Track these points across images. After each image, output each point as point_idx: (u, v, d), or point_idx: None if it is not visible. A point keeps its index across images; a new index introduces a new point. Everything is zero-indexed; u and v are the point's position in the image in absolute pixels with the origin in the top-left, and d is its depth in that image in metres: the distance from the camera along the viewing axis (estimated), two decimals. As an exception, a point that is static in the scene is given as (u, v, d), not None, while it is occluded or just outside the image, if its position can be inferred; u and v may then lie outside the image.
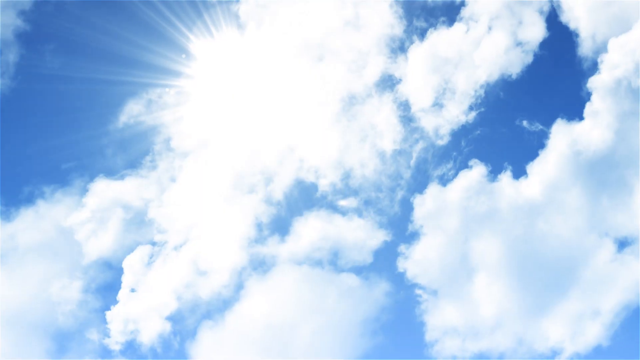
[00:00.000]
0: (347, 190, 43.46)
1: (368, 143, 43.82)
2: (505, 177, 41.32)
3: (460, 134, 42.56)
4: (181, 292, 42.17)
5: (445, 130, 40.85)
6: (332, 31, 44.26)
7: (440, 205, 39.13)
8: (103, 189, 44.93)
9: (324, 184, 44.07)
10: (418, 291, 40.53)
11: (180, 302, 42.08)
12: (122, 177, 44.90)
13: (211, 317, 41.68)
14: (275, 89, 44.59)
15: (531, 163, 40.47)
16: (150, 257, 42.90)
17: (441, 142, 42.92)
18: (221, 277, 42.80)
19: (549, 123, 41.49)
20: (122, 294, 42.04)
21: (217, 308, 42.12)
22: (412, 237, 41.83)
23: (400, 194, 43.63)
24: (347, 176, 43.60)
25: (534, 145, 40.64)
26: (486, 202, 40.28)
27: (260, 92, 44.48)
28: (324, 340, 40.05)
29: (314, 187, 43.44)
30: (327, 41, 44.35)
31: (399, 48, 42.89)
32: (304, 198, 43.48)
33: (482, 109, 43.21)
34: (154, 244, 43.24)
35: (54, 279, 43.28)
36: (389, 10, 43.25)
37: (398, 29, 43.28)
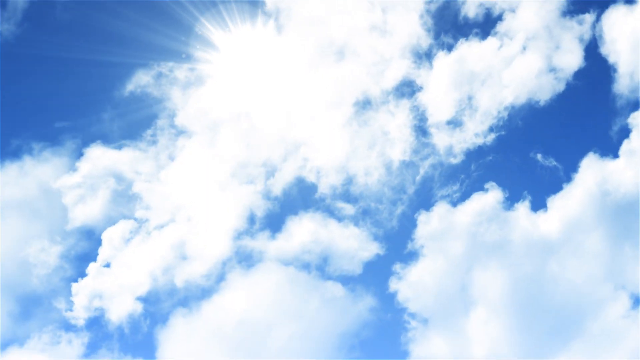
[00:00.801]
0: (347, 196, 37.36)
1: (377, 150, 37.65)
2: (523, 207, 34.34)
3: (477, 154, 35.96)
4: (158, 274, 35.94)
5: (461, 148, 35.80)
6: (356, 32, 37.98)
7: (446, 227, 33.26)
8: (98, 156, 38.69)
9: (324, 186, 37.72)
10: (407, 317, 33.61)
11: (155, 284, 35.77)
12: (119, 147, 38.56)
13: (186, 304, 35.38)
14: (290, 83, 38.82)
15: (553, 196, 33.36)
16: (132, 233, 36.77)
17: (454, 160, 36.07)
18: (203, 265, 36.47)
19: (578, 156, 34.44)
20: (92, 268, 36.03)
21: (193, 296, 35.74)
22: (410, 256, 35.12)
23: (400, 209, 37.10)
24: (349, 181, 37.51)
25: (558, 178, 33.88)
26: (497, 230, 33.52)
27: (274, 84, 38.70)
28: (299, 347, 33.92)
29: (313, 187, 37.37)
30: (349, 42, 38.03)
31: (425, 54, 36.51)
32: (302, 197, 37.48)
33: (503, 132, 36.14)
34: (138, 220, 37.11)
35: (33, 239, 37.05)
36: (419, 19, 37.11)
37: (426, 36, 36.56)
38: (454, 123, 34.19)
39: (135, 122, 38.28)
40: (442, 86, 33.65)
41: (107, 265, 35.14)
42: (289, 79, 38.23)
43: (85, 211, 37.28)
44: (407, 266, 32.98)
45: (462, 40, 34.48)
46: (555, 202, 31.91)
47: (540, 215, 32.02)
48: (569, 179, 32.96)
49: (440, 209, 32.81)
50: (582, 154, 32.58)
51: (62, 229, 36.75)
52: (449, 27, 34.11)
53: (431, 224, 32.69)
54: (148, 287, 35.07)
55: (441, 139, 34.36)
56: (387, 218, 36.97)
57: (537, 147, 34.93)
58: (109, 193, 37.55)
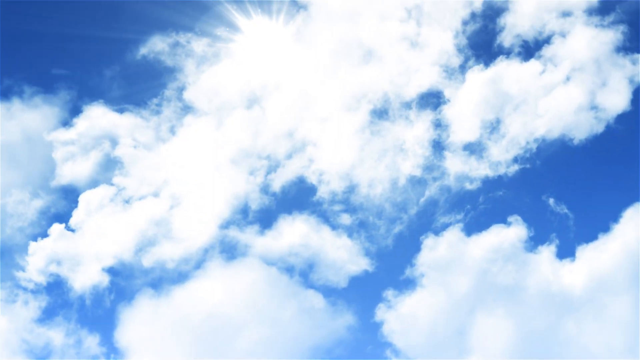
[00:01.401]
0: (346, 205, 33.81)
1: (386, 163, 34.03)
2: (548, 251, 28.62)
3: (495, 183, 31.45)
4: (131, 248, 32.31)
5: (479, 174, 31.56)
6: (386, 39, 34.54)
7: (455, 257, 27.98)
8: (98, 116, 35.27)
9: (324, 191, 34.12)
10: (390, 353, 28.56)
11: (126, 258, 32.10)
12: (120, 111, 35.03)
13: (156, 286, 31.66)
14: (308, 79, 35.27)
15: (584, 245, 27.49)
16: (113, 201, 33.24)
17: (469, 186, 31.60)
18: (182, 248, 32.86)
19: (620, 205, 28.26)
20: (55, 229, 32.23)
21: (165, 279, 32.00)
22: (406, 284, 30.49)
23: (399, 228, 33.24)
24: (350, 190, 33.96)
25: (594, 225, 27.80)
26: (513, 272, 27.82)
27: (292, 77, 35.24)
28: (266, 352, 30.18)
29: (313, 189, 33.85)
30: (377, 47, 34.59)
31: (459, 65, 32.33)
32: (300, 198, 33.93)
33: (528, 166, 31.39)
34: (121, 187, 33.71)
35: (14, 187, 33.56)
36: (456, 31, 33.15)
37: (462, 46, 32.49)
38: (476, 145, 29.55)
39: (142, 88, 34.79)
40: (471, 103, 28.92)
41: (73, 230, 31.86)
42: (307, 74, 34.99)
43: (74, 170, 33.90)
44: (400, 294, 28.34)
45: (501, 57, 29.67)
46: (586, 253, 26.51)
47: (566, 264, 26.65)
48: (606, 229, 27.47)
49: (452, 235, 27.74)
50: (625, 204, 26.80)
51: (47, 184, 33.36)
52: (490, 41, 29.29)
53: (438, 250, 27.64)
54: (118, 260, 31.44)
55: (459, 160, 29.69)
56: (384, 235, 33.31)
57: (569, 187, 29.45)
58: (101, 156, 34.08)
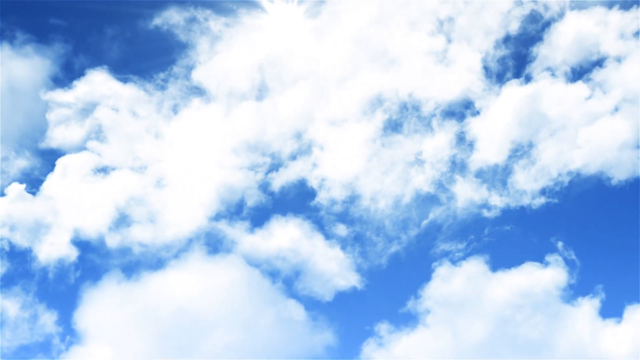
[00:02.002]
0: (344, 215, 30.29)
1: (394, 176, 30.26)
2: (590, 305, 22.89)
3: (517, 214, 26.72)
4: (106, 224, 28.49)
5: (501, 200, 26.76)
6: (413, 49, 30.99)
7: (472, 294, 19.07)
8: (99, 81, 31.54)
9: (324, 197, 30.63)
10: None
11: (99, 234, 28.31)
12: (124, 80, 31.46)
13: (127, 270, 27.63)
14: (325, 79, 31.54)
15: (635, 305, 21.64)
16: (95, 170, 29.42)
17: (487, 213, 26.92)
18: (163, 233, 29.03)
19: None
20: (14, 189, 28.06)
21: (139, 263, 28.06)
22: (405, 319, 25.62)
23: (396, 248, 29.42)
24: (351, 200, 30.41)
25: None
26: (543, 323, 22.42)
27: (309, 75, 31.45)
28: (233, 358, 26.01)
29: (312, 194, 30.40)
30: (401, 56, 31.00)
31: (497, 75, 27.87)
32: (297, 201, 30.53)
33: (556, 200, 26.25)
34: (109, 159, 30.15)
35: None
36: (494, 46, 28.66)
37: (500, 59, 27.91)
38: (502, 168, 24.50)
39: (150, 60, 31.37)
40: (503, 119, 24.05)
41: (34, 193, 28.10)
42: (325, 72, 31.49)
43: (66, 135, 30.49)
44: (396, 331, 23.49)
45: (545, 74, 24.75)
46: (636, 315, 20.46)
47: (610, 324, 21.41)
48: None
49: (473, 267, 22.68)
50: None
51: (34, 145, 30.00)
52: (534, 54, 24.61)
53: (452, 283, 22.43)
54: (90, 235, 27.75)
55: (477, 183, 24.75)
56: (379, 253, 29.71)
57: (612, 233, 23.93)
58: (96, 124, 30.65)
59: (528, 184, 25.15)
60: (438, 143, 26.42)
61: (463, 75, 28.00)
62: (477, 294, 21.76)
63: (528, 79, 26.26)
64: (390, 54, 30.86)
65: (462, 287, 22.39)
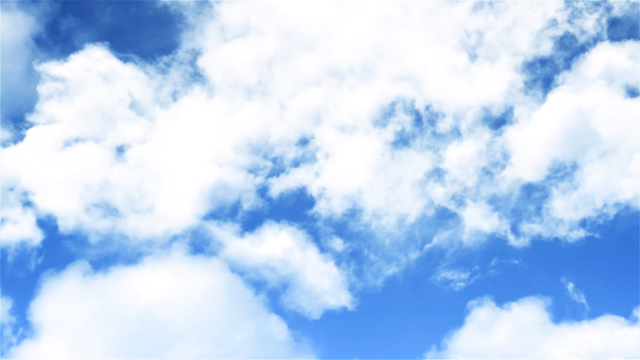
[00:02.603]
0: (342, 229, 26.36)
1: (400, 193, 26.15)
2: None
3: (551, 247, 20.22)
4: (81, 208, 24.06)
5: (531, 229, 19.39)
6: (434, 57, 27.21)
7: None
8: (98, 58, 27.63)
9: (322, 207, 26.78)
10: None
11: (70, 217, 23.89)
12: (124, 60, 27.63)
13: (96, 262, 23.41)
14: (340, 85, 27.78)
15: None
16: (73, 146, 25.52)
17: (514, 242, 22.00)
18: (145, 224, 24.94)
19: None
20: None
21: (111, 256, 23.99)
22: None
23: (393, 270, 25.45)
24: (352, 214, 26.47)
25: None
26: None
27: (323, 79, 27.66)
28: None
29: (310, 203, 26.58)
30: (423, 64, 27.26)
31: (543, 79, 22.91)
32: (294, 209, 26.67)
33: (597, 235, 21.05)
34: (95, 139, 26.12)
35: None
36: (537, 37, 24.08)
37: (546, 59, 23.09)
38: (537, 189, 19.82)
39: (154, 41, 27.82)
40: (544, 132, 19.10)
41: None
42: (338, 74, 27.96)
43: (55, 110, 27.00)
44: None
45: (601, 82, 19.91)
46: None
47: None
48: None
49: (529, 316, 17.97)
50: None
51: (22, 116, 26.49)
52: (588, 56, 19.99)
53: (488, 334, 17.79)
54: (59, 217, 23.83)
55: (506, 205, 20.16)
56: (374, 273, 26.11)
57: None
58: (89, 105, 27.13)
59: (566, 212, 20.20)
60: (465, 152, 21.65)
61: (500, 75, 23.14)
62: (492, 341, 17.15)
63: (580, 86, 21.33)
64: (411, 62, 27.33)
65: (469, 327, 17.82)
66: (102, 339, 20.84)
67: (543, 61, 24.84)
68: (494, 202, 24.93)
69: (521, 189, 21.78)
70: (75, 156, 24.55)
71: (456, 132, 26.25)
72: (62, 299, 21.43)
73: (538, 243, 20.93)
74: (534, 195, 21.70)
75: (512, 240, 21.64)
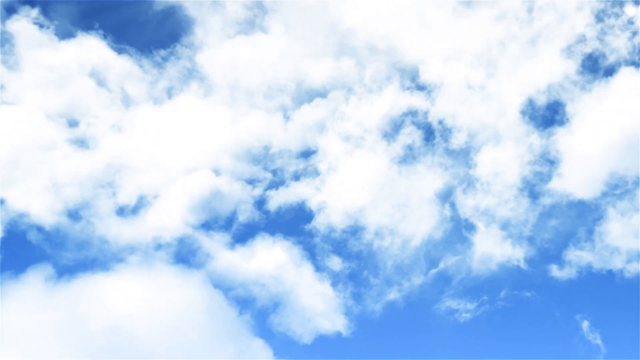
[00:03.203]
0: (341, 247, 23.15)
1: (408, 211, 22.79)
2: None
3: (602, 281, 13.16)
4: (52, 205, 21.07)
5: (576, 256, 14.13)
6: (452, 71, 24.28)
7: None
8: (91, 47, 24.69)
9: (321, 221, 23.56)
10: None
11: (38, 212, 20.80)
12: (119, 50, 24.69)
13: (61, 266, 20.26)
14: (346, 92, 24.76)
15: None
16: (71, 142, 22.86)
17: (558, 273, 17.99)
18: (126, 228, 21.99)
19: None
20: None
21: (78, 261, 20.89)
22: None
23: (394, 295, 22.36)
24: (353, 232, 23.30)
25: None
26: None
27: (329, 86, 24.77)
28: None
29: (308, 218, 23.48)
30: (436, 78, 24.30)
31: (607, 68, 18.58)
32: (290, 224, 23.58)
33: None
34: (81, 132, 23.29)
35: None
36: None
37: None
38: (583, 207, 15.85)
39: (151, 33, 24.90)
40: (603, 136, 15.02)
41: None
42: (347, 84, 24.99)
43: (43, 100, 24.10)
44: None
45: None
46: None
47: None
48: None
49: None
50: None
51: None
52: None
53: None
54: (24, 211, 20.70)
55: (522, 228, 16.53)
56: (374, 298, 23.01)
57: None
58: (78, 95, 24.27)
59: (623, 239, 15.98)
60: (503, 155, 17.79)
61: (550, 63, 19.15)
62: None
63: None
64: (426, 72, 24.54)
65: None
66: (64, 353, 17.00)
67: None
68: (509, 225, 21.76)
69: (567, 203, 17.75)
70: (56, 152, 21.10)
71: (473, 148, 22.69)
72: (21, 306, 17.72)
73: (587, 275, 16.75)
74: (584, 215, 17.67)
75: (555, 270, 17.46)
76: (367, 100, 24.75)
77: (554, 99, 19.22)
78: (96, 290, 18.97)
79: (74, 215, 21.33)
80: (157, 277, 20.15)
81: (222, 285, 22.50)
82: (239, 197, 23.71)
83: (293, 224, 23.58)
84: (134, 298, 18.60)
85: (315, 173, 23.90)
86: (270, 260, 22.79)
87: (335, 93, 24.79)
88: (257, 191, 23.98)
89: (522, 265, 22.26)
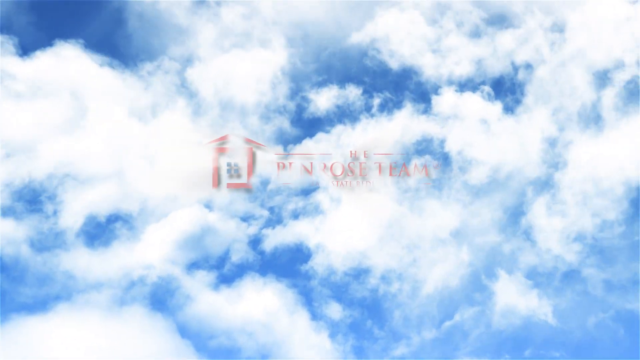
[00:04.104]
0: (342, 292, 20.38)
1: (422, 251, 20.04)
2: None
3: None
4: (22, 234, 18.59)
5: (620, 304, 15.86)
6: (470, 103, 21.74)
7: None
8: (68, 57, 21.79)
9: (319, 262, 20.60)
10: None
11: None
12: (100, 63, 21.86)
13: (11, 306, 17.35)
14: (350, 115, 22.03)
15: None
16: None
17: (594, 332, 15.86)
18: (96, 265, 19.14)
19: None
20: None
21: (39, 300, 18.06)
22: None
23: (402, 350, 19.57)
24: (356, 275, 20.47)
25: None
26: None
27: (334, 115, 21.90)
28: None
29: (306, 257, 20.56)
30: (457, 102, 21.74)
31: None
32: (286, 263, 20.60)
33: None
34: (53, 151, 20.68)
35: None
36: None
37: None
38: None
39: (137, 43, 21.84)
40: None
41: None
42: (352, 107, 22.05)
43: (13, 116, 20.97)
44: None
45: None
46: None
47: None
48: None
49: None
50: None
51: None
52: None
53: None
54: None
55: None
56: (378, 353, 19.99)
57: None
58: (52, 110, 21.15)
59: None
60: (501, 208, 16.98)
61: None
62: None
63: None
64: (445, 95, 22.03)
65: None
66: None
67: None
68: (535, 272, 19.61)
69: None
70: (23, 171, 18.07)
71: (496, 182, 19.10)
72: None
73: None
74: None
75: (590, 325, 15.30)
76: (375, 128, 21.86)
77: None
78: (27, 334, 14.96)
79: (36, 245, 17.82)
80: (107, 320, 16.44)
81: (202, 333, 18.94)
82: (232, 235, 20.75)
83: (288, 264, 20.70)
84: (73, 346, 14.60)
85: (317, 211, 21.03)
86: (259, 305, 19.77)
87: (340, 118, 21.98)
88: (253, 229, 20.98)
89: (551, 320, 19.58)
